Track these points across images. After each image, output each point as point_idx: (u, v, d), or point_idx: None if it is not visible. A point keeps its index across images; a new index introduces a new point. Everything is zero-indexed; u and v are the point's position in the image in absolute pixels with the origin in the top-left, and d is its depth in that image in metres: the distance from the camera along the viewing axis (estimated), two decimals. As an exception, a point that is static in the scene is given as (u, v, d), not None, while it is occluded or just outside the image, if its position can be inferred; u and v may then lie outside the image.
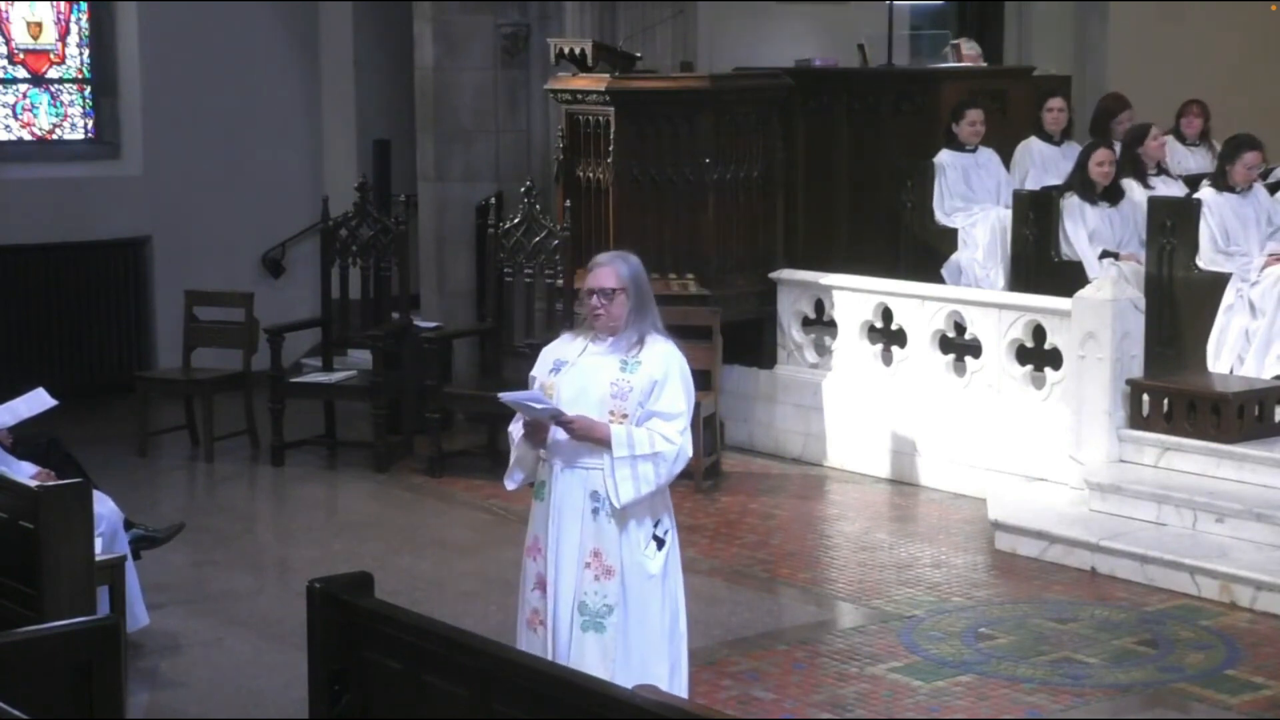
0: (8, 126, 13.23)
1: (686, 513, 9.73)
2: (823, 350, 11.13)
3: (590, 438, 5.76)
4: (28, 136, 13.33)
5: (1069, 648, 7.66)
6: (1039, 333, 10.08)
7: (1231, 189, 9.97)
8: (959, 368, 10.49)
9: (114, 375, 12.98)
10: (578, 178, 11.12)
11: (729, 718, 6.19)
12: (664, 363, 5.85)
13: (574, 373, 5.87)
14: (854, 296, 10.90)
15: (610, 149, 10.89)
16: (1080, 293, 9.66)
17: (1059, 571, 8.78)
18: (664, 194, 10.96)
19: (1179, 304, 9.85)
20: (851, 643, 7.81)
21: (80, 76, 13.47)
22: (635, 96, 10.92)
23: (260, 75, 13.64)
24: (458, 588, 8.68)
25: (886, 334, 10.83)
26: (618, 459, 5.74)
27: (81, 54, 13.44)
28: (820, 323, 11.19)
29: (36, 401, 7.70)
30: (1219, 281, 9.71)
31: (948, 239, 11.20)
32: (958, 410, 10.30)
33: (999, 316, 10.21)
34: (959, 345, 10.51)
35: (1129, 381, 9.48)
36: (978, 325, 10.30)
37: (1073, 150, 11.16)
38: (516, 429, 5.95)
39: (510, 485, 6.06)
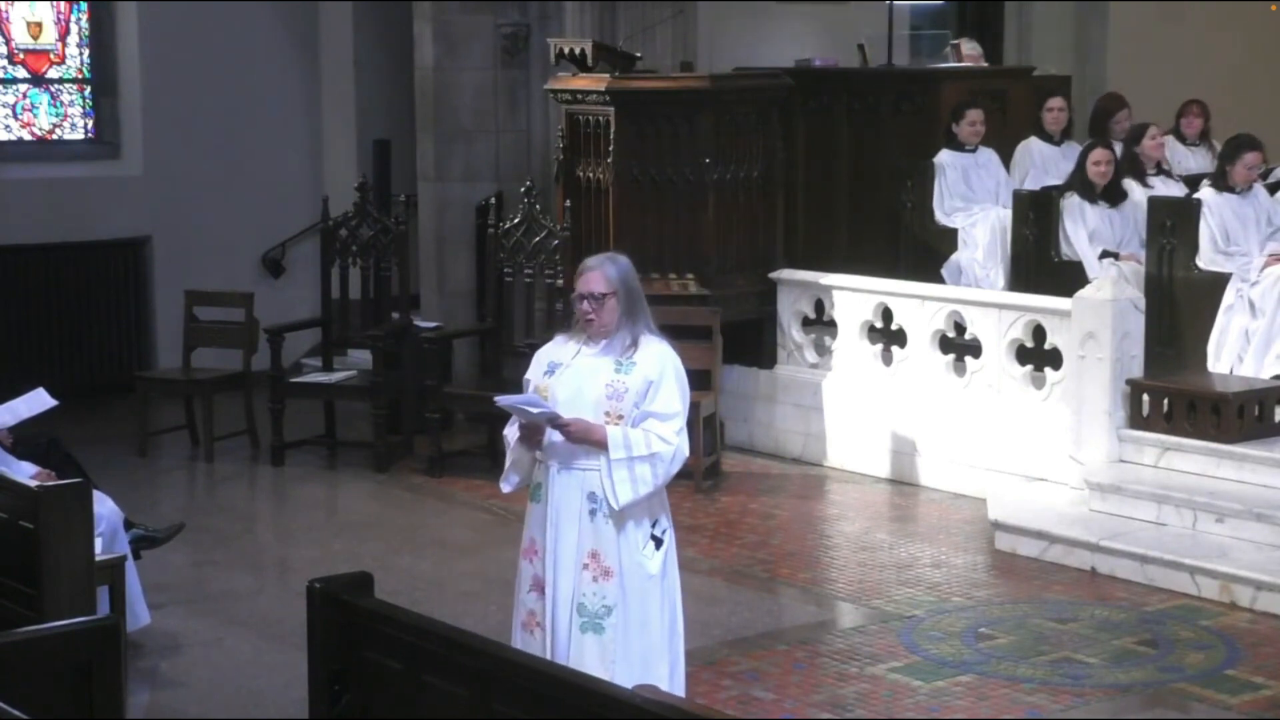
0: (8, 126, 13.23)
1: (686, 513, 9.74)
2: (823, 350, 11.13)
3: (587, 440, 5.76)
4: (28, 136, 13.33)
5: (1069, 648, 7.66)
6: (1039, 333, 10.08)
7: (1231, 189, 9.97)
8: (959, 368, 10.49)
9: (114, 375, 12.98)
10: (578, 178, 11.12)
11: (729, 718, 6.19)
12: (659, 363, 5.84)
13: (569, 375, 5.86)
14: (854, 296, 10.90)
15: (610, 149, 10.89)
16: (1080, 293, 9.66)
17: (1059, 571, 8.78)
18: (664, 194, 10.96)
19: (1179, 304, 9.85)
20: (851, 643, 7.81)
21: (80, 76, 13.47)
22: (635, 96, 10.92)
23: (260, 75, 13.64)
24: (458, 588, 8.68)
25: (886, 334, 10.83)
26: (615, 461, 5.73)
27: (81, 54, 13.44)
28: (820, 323, 11.19)
29: (36, 401, 7.71)
30: (1219, 281, 9.72)
31: (948, 239, 11.20)
32: (958, 410, 10.30)
33: (999, 316, 10.21)
34: (959, 345, 10.51)
35: (1129, 381, 9.48)
36: (978, 325, 10.31)
37: (1073, 150, 11.16)
38: (512, 432, 5.95)
39: (505, 488, 6.06)
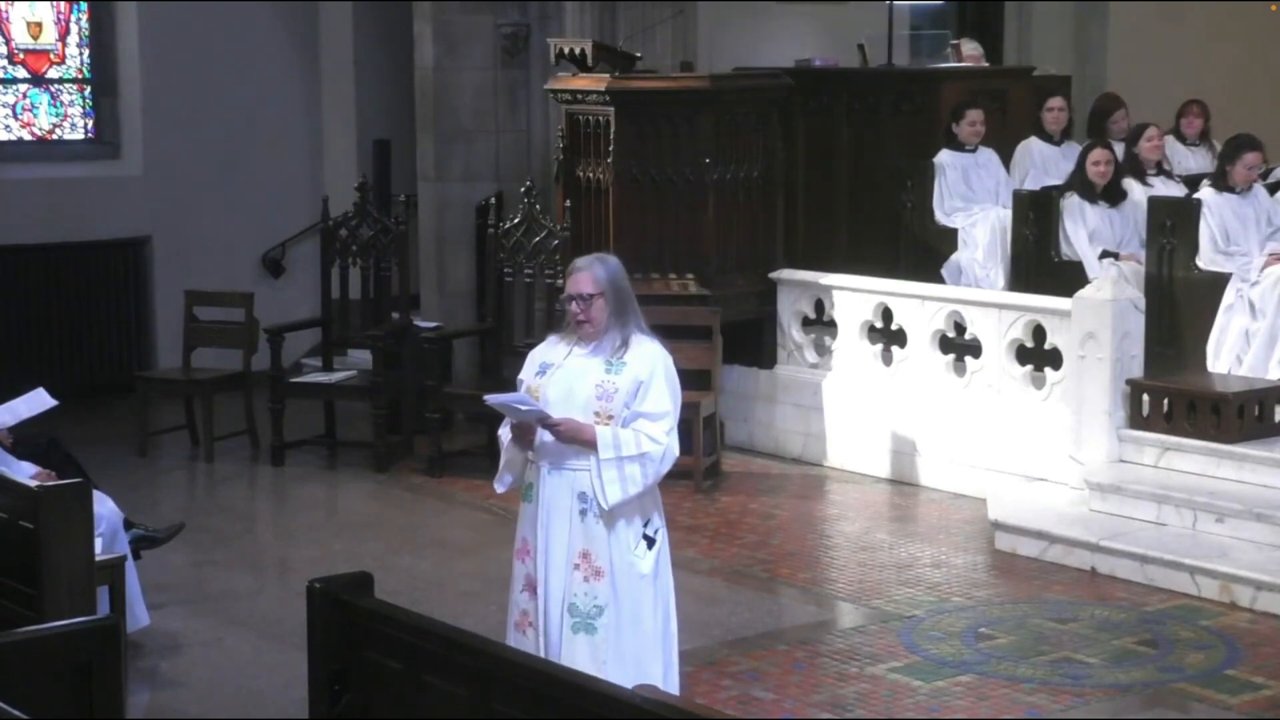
0: (8, 126, 13.23)
1: (686, 513, 9.74)
2: (823, 350, 11.13)
3: (577, 440, 5.76)
4: (28, 136, 13.33)
5: (1069, 648, 7.66)
6: (1039, 333, 10.08)
7: (1231, 189, 9.97)
8: (959, 368, 10.49)
9: (114, 375, 12.98)
10: (578, 178, 11.12)
11: (729, 718, 6.19)
12: (649, 363, 5.84)
13: (560, 375, 5.87)
14: (854, 296, 10.90)
15: (610, 149, 10.89)
16: (1080, 293, 9.66)
17: (1059, 571, 8.78)
18: (664, 194, 10.96)
19: (1179, 304, 9.85)
20: (851, 643, 7.81)
21: (80, 76, 13.47)
22: (635, 96, 10.92)
23: (260, 75, 13.64)
24: (458, 588, 8.68)
25: (886, 334, 10.83)
26: (604, 461, 5.74)
27: (81, 54, 13.44)
28: (820, 323, 11.19)
29: (36, 401, 7.71)
30: (1219, 281, 9.72)
31: (948, 239, 11.20)
32: (958, 410, 10.30)
33: (999, 316, 10.21)
34: (959, 345, 10.51)
35: (1129, 381, 9.48)
36: (978, 325, 10.30)
37: (1073, 150, 11.16)
38: (506, 432, 5.96)
39: (499, 488, 6.07)
